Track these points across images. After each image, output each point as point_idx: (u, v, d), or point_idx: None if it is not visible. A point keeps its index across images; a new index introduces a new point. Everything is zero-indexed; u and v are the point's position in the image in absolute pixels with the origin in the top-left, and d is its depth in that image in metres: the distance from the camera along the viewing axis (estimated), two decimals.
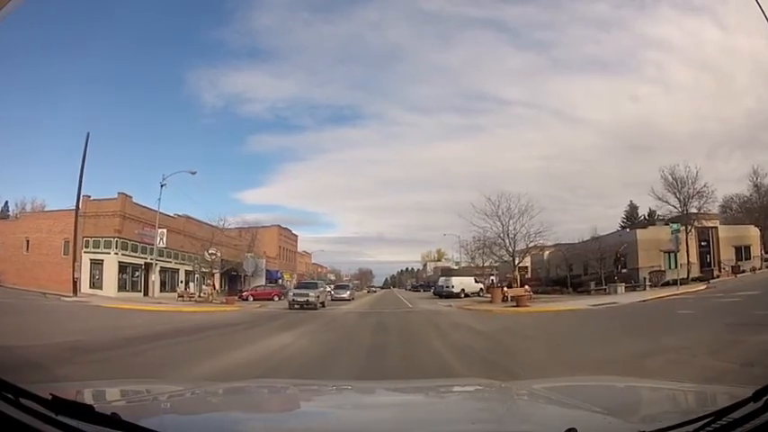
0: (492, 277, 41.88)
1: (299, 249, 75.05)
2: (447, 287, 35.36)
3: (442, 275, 41.58)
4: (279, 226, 61.01)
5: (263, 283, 42.53)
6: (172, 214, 33.24)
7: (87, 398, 1.38)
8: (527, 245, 27.42)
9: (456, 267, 44.90)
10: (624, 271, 29.49)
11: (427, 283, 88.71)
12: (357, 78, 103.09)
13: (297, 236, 72.44)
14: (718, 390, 1.79)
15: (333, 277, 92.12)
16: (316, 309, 19.64)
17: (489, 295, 27.61)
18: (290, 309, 19.53)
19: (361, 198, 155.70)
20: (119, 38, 62.95)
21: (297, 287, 24.02)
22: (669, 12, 69.32)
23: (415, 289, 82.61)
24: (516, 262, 27.50)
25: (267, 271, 50.41)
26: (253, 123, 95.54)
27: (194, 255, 29.22)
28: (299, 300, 20.15)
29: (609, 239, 31.66)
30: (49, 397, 0.88)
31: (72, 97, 59.51)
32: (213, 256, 27.76)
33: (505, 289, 23.32)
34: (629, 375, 3.32)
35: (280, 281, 55.80)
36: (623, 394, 1.73)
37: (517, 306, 17.48)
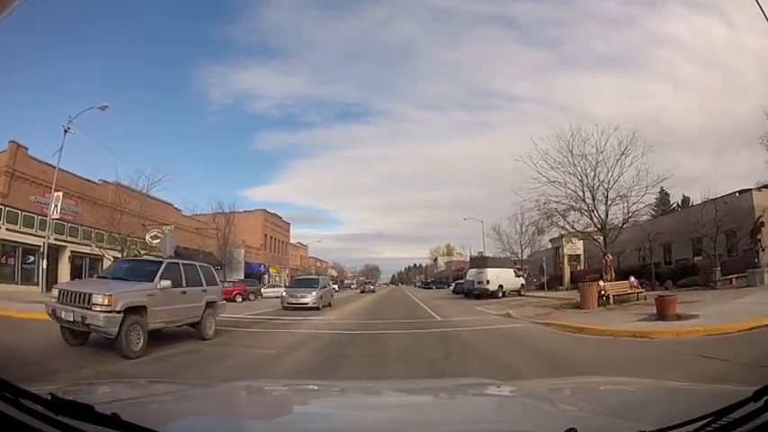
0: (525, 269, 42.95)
1: (292, 240, 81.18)
2: (480, 283, 33.24)
3: (471, 266, 39.14)
4: (265, 210, 65.92)
5: (242, 278, 44.12)
6: (96, 180, 31.04)
7: (87, 398, 1.80)
8: (627, 207, 22.43)
9: (490, 256, 43.47)
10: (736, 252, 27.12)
11: (439, 278, 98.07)
12: (366, 75, 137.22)
13: (289, 224, 77.74)
14: (718, 390, 2.27)
15: (334, 273, 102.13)
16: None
17: (570, 295, 24.36)
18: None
19: (368, 195, 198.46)
20: (126, 36, 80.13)
21: (111, 269, 12.64)
22: (677, 9, 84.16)
23: (426, 286, 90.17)
24: (606, 239, 22.89)
25: (246, 264, 53.07)
26: (261, 120, 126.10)
27: (133, 238, 28.27)
28: (65, 317, 9.36)
29: (711, 209, 28.01)
30: (49, 397, 1.17)
31: (77, 96, 73.14)
32: (156, 240, 26.91)
33: (601, 284, 20.03)
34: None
35: (265, 276, 59.33)
36: (623, 394, 2.23)
37: (661, 317, 13.52)
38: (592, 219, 22.71)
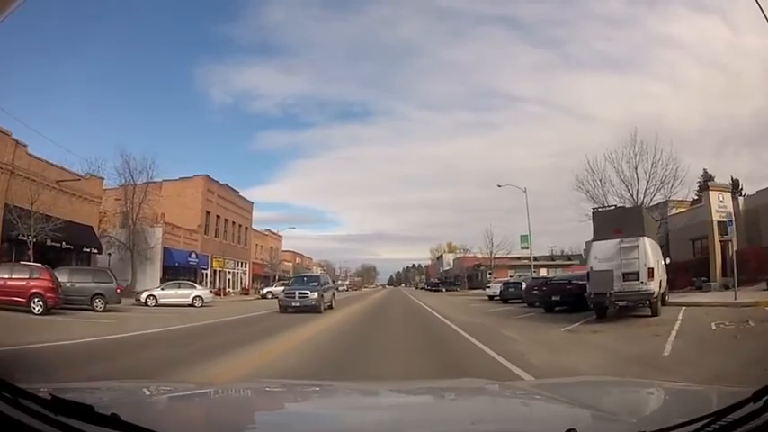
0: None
1: (256, 226, 63.97)
2: (629, 276, 15.42)
3: (597, 236, 16.87)
4: (207, 177, 47.75)
5: (159, 267, 35.75)
6: None
7: (87, 398, 1.83)
8: None
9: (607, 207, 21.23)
10: None
11: (446, 279, 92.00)
12: (368, 75, 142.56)
13: (251, 203, 61.02)
14: (718, 390, 2.34)
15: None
16: None
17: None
18: None
19: (367, 195, 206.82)
20: (126, 35, 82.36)
21: None
22: (680, 10, 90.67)
23: (433, 288, 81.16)
24: None
25: (168, 251, 38.18)
26: (261, 120, 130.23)
27: None
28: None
29: None
30: (49, 397, 1.19)
31: (78, 96, 74.50)
32: None
33: None
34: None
35: (204, 271, 44.35)
36: (623, 394, 2.29)
37: None
38: None
